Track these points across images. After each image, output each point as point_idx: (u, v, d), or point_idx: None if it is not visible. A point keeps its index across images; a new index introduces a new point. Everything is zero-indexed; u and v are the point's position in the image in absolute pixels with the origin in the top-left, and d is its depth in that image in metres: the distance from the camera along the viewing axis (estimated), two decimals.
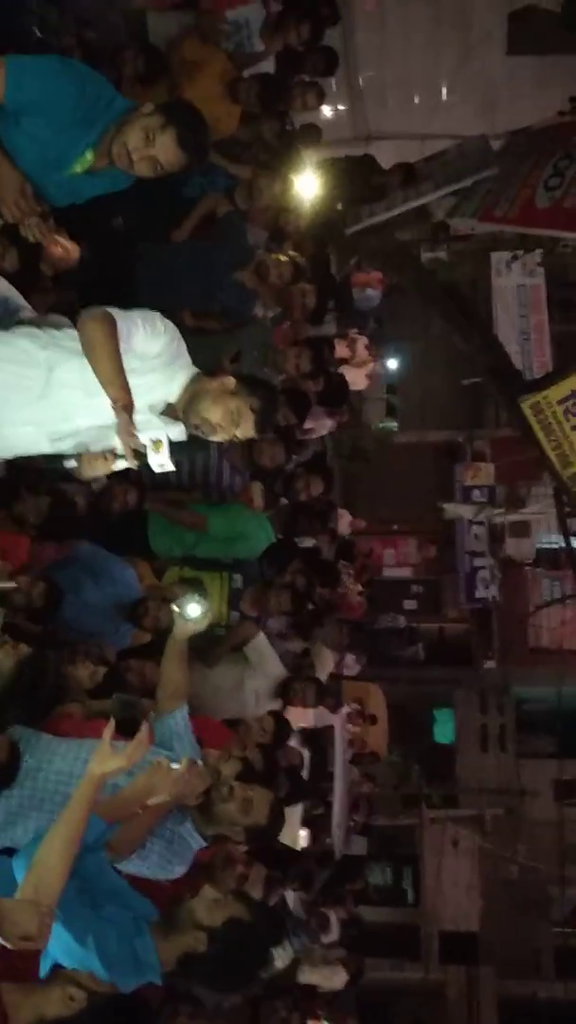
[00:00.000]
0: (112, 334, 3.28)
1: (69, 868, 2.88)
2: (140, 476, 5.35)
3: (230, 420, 3.44)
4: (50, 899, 2.81)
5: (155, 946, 3.13)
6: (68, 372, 3.44)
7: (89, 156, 3.60)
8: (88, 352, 3.33)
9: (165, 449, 3.48)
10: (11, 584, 4.16)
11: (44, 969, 2.78)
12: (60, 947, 2.86)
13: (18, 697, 4.01)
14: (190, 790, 3.50)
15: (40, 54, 3.89)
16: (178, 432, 3.58)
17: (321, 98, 6.71)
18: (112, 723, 3.19)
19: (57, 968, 2.68)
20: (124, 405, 3.26)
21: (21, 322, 3.64)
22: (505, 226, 9.25)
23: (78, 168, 3.62)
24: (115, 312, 3.33)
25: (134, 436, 3.28)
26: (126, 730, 3.35)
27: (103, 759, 3.08)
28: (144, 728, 3.22)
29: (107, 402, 3.32)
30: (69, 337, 3.46)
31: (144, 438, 3.39)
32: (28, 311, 3.77)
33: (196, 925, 3.20)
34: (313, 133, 7.61)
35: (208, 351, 3.88)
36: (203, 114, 3.65)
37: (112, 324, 3.29)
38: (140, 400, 3.38)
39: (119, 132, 3.48)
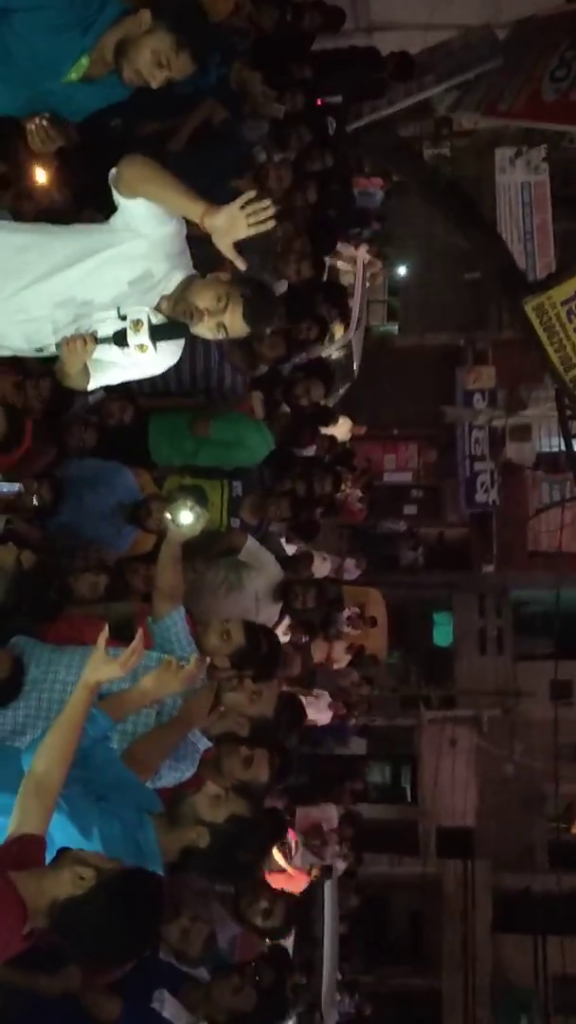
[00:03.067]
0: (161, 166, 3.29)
1: (65, 772, 2.93)
2: (138, 387, 5.30)
3: (217, 304, 3.34)
4: (49, 802, 2.85)
5: (158, 838, 3.20)
6: (56, 251, 3.41)
7: (84, 62, 3.46)
8: (143, 178, 3.30)
9: (145, 329, 3.42)
10: (15, 488, 4.14)
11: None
12: (65, 840, 2.92)
13: (22, 604, 4.03)
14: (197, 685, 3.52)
15: None
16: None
17: None
18: (106, 629, 3.21)
19: (64, 850, 2.73)
20: (206, 212, 3.19)
21: None
22: (509, 120, 9.00)
23: (74, 75, 3.50)
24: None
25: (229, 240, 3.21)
26: (125, 636, 3.37)
27: (98, 666, 3.10)
28: (139, 635, 3.23)
29: (104, 279, 3.30)
30: (86, 231, 3.47)
31: (127, 319, 3.36)
32: None
33: (198, 820, 3.27)
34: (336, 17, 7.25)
35: (209, 258, 3.79)
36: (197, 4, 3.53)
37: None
38: (135, 290, 3.35)
39: (124, 53, 3.36)
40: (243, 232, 3.19)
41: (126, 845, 3.08)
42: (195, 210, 3.24)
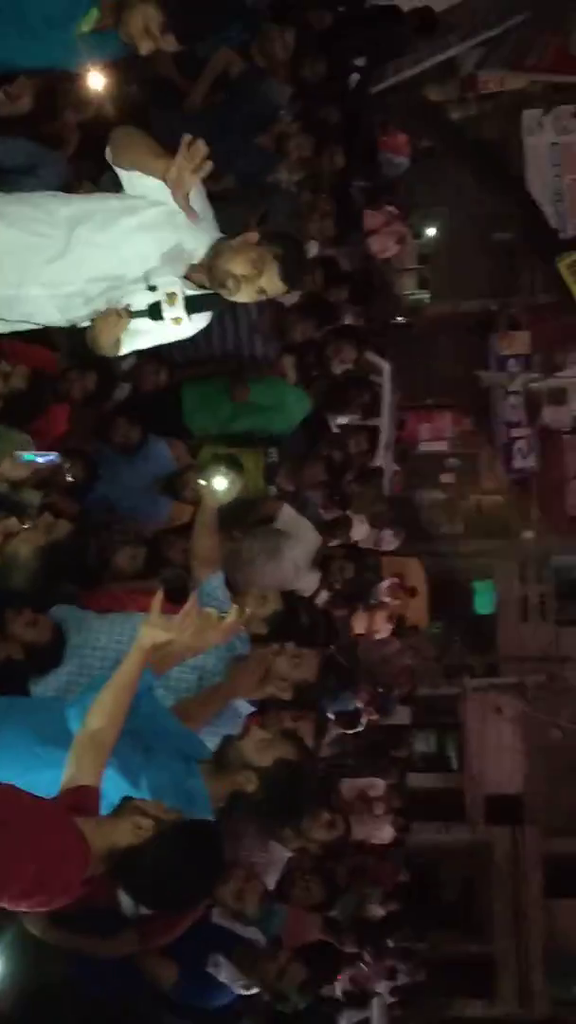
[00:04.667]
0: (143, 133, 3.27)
1: (119, 729, 2.96)
2: (169, 356, 5.28)
3: (252, 269, 3.29)
4: (103, 756, 2.88)
5: (206, 784, 3.21)
6: (92, 230, 3.36)
7: (95, 13, 3.45)
8: (123, 147, 3.30)
9: (180, 302, 3.37)
10: (53, 459, 4.15)
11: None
12: (115, 790, 2.94)
13: (61, 572, 4.05)
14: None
15: None
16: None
17: None
18: (161, 594, 3.21)
19: (127, 799, 2.76)
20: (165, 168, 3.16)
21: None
22: (537, 75, 8.89)
23: (84, 27, 3.48)
24: None
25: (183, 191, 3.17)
26: (172, 599, 3.37)
27: (153, 627, 3.11)
28: (192, 597, 3.24)
29: (131, 251, 3.27)
30: (96, 197, 3.40)
31: (160, 290, 3.31)
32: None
33: (245, 765, 3.28)
34: None
35: (235, 218, 3.75)
36: None
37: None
38: (165, 259, 3.31)
39: (120, 14, 3.34)
40: (190, 181, 3.14)
41: (176, 793, 3.11)
42: (158, 169, 3.19)
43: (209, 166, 3.13)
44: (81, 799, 2.79)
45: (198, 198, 3.40)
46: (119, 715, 2.98)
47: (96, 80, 3.75)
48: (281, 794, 3.27)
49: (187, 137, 3.12)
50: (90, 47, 3.58)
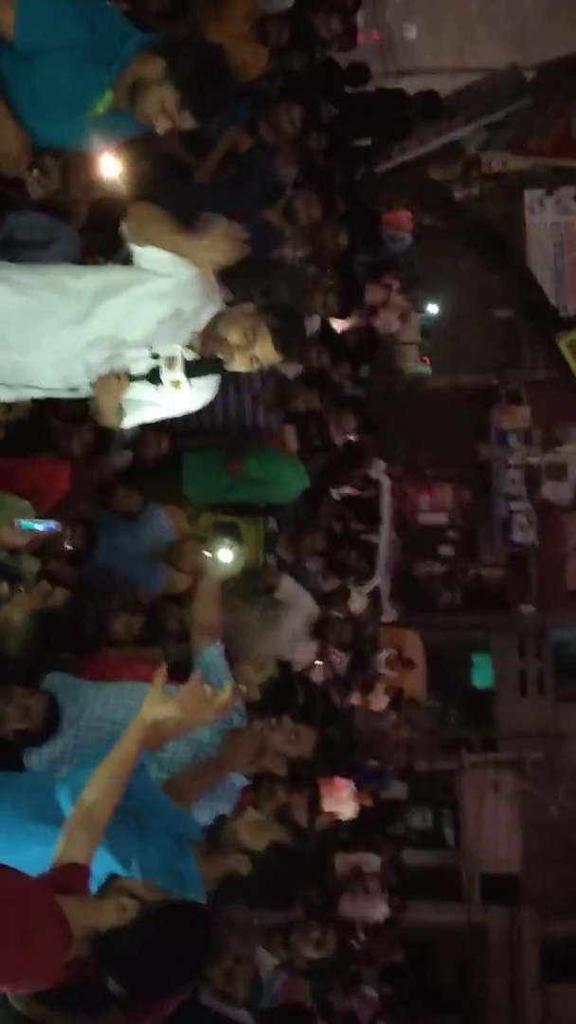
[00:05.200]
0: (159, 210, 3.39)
1: (114, 806, 2.92)
2: (171, 426, 5.32)
3: (246, 339, 3.37)
4: (96, 833, 2.83)
5: (198, 866, 3.15)
6: (111, 299, 3.43)
7: (110, 95, 3.52)
8: (140, 223, 3.41)
9: (179, 365, 3.43)
10: (53, 526, 4.15)
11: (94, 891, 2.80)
12: (103, 871, 2.88)
13: (58, 639, 4.03)
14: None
15: None
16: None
17: (347, 20, 6.48)
18: (164, 669, 3.18)
19: (112, 878, 2.70)
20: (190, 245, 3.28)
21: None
22: (539, 158, 9.06)
23: (99, 109, 3.55)
24: None
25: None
26: (173, 674, 3.35)
27: (155, 704, 3.07)
28: (195, 675, 3.21)
29: (136, 318, 3.36)
30: (107, 269, 3.48)
31: (161, 357, 3.38)
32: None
33: (239, 848, 3.22)
34: (361, 72, 7.38)
35: (240, 291, 3.83)
36: (222, 60, 3.58)
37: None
38: (166, 328, 3.37)
39: (136, 94, 3.42)
40: (222, 259, 3.24)
41: (167, 875, 3.05)
42: (178, 244, 3.32)
43: (246, 249, 3.24)
44: (70, 878, 2.73)
45: (204, 274, 3.47)
46: (115, 792, 2.93)
47: (110, 164, 3.83)
48: (274, 879, 3.21)
49: (223, 220, 3.23)
50: (104, 128, 3.64)
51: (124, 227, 3.43)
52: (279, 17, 6.04)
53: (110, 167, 3.81)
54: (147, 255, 3.41)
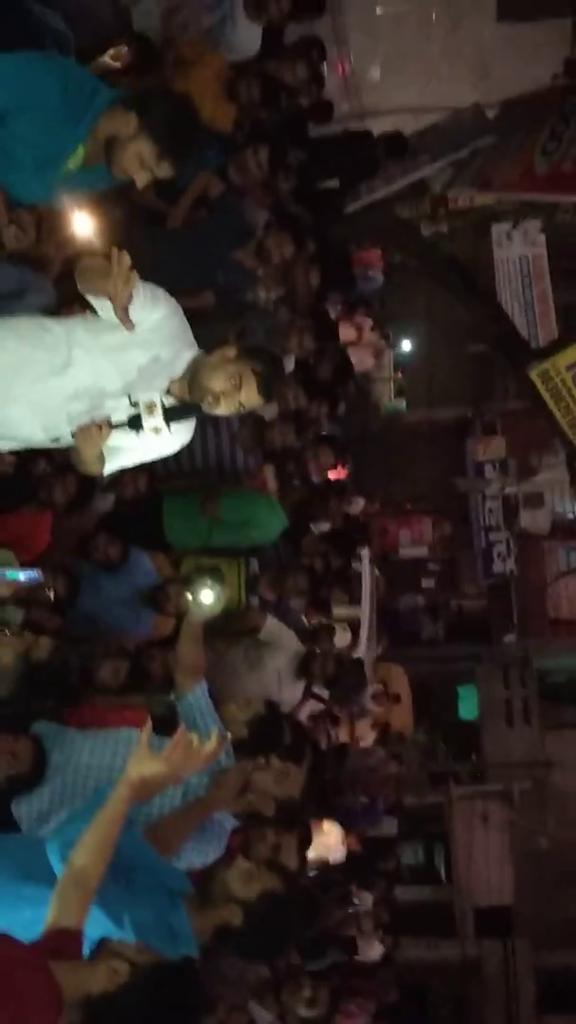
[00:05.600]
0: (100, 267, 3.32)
1: (104, 866, 2.87)
2: (152, 465, 5.34)
3: (232, 385, 3.40)
4: (87, 896, 2.80)
5: (190, 919, 3.12)
6: (90, 349, 3.44)
7: (81, 151, 3.56)
8: (83, 283, 3.39)
9: (159, 412, 3.45)
10: (35, 576, 4.15)
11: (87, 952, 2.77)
12: (98, 930, 2.85)
13: (43, 689, 4.01)
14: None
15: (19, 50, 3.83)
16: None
17: (312, 69, 6.56)
18: (150, 724, 3.15)
19: (103, 941, 2.66)
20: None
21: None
22: (504, 193, 9.19)
23: (71, 165, 3.58)
24: None
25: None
26: (159, 728, 3.33)
27: (141, 761, 3.02)
28: (181, 729, 3.18)
29: (113, 367, 3.37)
30: (81, 319, 3.50)
31: (140, 404, 3.40)
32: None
33: (230, 898, 3.19)
34: (324, 109, 7.46)
35: (212, 334, 3.85)
36: (192, 106, 3.63)
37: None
38: (144, 376, 3.38)
39: (112, 150, 3.46)
40: (123, 292, 3.21)
41: (158, 930, 3.01)
42: (102, 289, 3.29)
43: (135, 278, 3.21)
44: (63, 943, 2.68)
45: (172, 317, 3.48)
46: (105, 852, 2.89)
47: (82, 220, 3.85)
48: (266, 928, 3.18)
49: (114, 249, 3.22)
50: (76, 183, 3.67)
51: (77, 280, 3.45)
52: (248, 74, 6.11)
53: (82, 223, 3.83)
54: (104, 304, 3.43)
